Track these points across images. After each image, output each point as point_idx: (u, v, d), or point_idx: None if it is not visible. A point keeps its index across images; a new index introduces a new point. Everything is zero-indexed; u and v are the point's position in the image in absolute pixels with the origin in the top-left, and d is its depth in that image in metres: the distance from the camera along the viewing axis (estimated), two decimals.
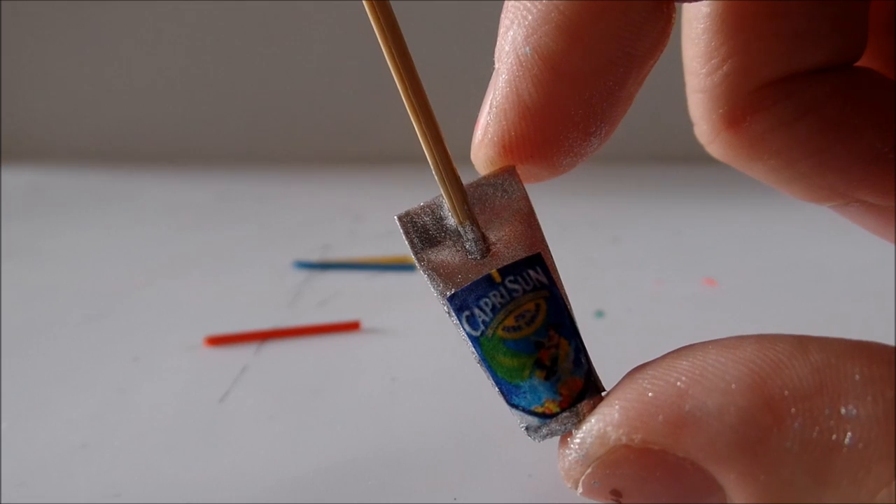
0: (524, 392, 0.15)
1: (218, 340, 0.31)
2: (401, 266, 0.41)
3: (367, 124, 0.78)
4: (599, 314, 0.32)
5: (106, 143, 0.79)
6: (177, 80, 0.78)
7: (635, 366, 0.14)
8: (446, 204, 0.15)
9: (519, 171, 0.15)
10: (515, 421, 0.15)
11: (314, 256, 0.43)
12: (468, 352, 0.15)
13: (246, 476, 0.22)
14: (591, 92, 0.14)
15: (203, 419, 0.25)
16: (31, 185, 0.67)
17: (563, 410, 0.15)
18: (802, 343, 0.12)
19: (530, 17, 0.14)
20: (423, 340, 0.31)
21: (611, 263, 0.42)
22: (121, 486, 0.21)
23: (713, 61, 0.17)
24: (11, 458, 0.23)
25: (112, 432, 0.24)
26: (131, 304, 0.36)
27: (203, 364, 0.29)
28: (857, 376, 0.11)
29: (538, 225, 0.15)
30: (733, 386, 0.12)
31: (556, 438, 0.15)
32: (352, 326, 0.32)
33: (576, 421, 0.15)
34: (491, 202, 0.15)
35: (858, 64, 0.17)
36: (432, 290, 0.15)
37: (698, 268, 0.41)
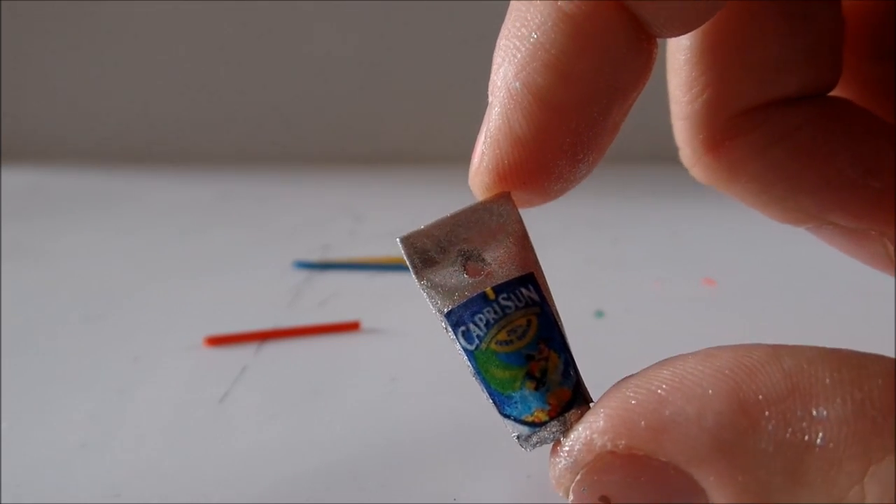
0: (515, 402, 0.16)
1: (218, 340, 0.31)
2: (401, 266, 0.41)
3: (367, 124, 0.78)
4: (599, 314, 0.32)
5: (106, 143, 0.79)
6: (177, 80, 0.78)
7: (629, 369, 0.15)
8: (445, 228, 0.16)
9: (513, 197, 0.16)
10: (507, 431, 0.16)
11: (314, 256, 0.43)
12: (464, 365, 0.16)
13: (246, 476, 0.22)
14: (577, 122, 0.15)
15: (203, 419, 0.25)
16: (31, 185, 0.67)
17: (551, 419, 0.15)
18: (776, 351, 0.13)
19: (519, 56, 0.15)
20: (422, 340, 0.31)
21: (611, 263, 0.42)
22: (121, 486, 0.21)
23: (693, 90, 0.17)
24: (11, 458, 0.23)
25: (112, 432, 0.24)
26: (131, 304, 0.36)
27: (203, 364, 0.29)
28: (828, 380, 0.12)
29: (531, 247, 0.16)
30: (710, 392, 0.13)
31: (549, 446, 0.16)
32: (352, 326, 0.32)
33: (564, 429, 0.15)
34: (487, 225, 0.16)
35: (834, 92, 0.18)
36: (430, 307, 0.16)
37: (698, 268, 0.41)
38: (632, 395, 0.13)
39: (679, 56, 0.18)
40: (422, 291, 0.16)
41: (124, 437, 0.24)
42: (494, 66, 0.15)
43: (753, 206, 0.18)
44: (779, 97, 0.17)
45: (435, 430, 0.24)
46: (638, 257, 0.43)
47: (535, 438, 0.16)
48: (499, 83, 0.15)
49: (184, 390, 0.27)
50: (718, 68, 0.17)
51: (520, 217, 0.16)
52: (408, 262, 0.16)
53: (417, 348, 0.30)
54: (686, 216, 0.53)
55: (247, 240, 0.49)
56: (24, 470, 0.22)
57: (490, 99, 0.16)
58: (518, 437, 0.16)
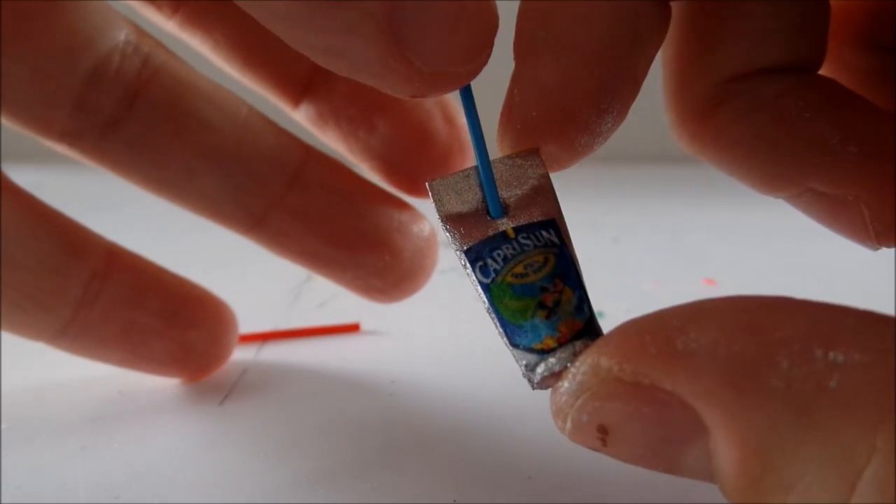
0: (526, 331, 0.16)
1: None
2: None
3: None
4: (599, 315, 0.32)
5: None
6: None
7: None
8: (473, 175, 0.17)
9: (541, 154, 0.17)
10: (516, 364, 0.16)
11: None
12: (479, 300, 0.16)
13: (245, 477, 0.22)
14: (600, 68, 0.16)
15: (203, 421, 0.25)
16: (31, 185, 0.67)
17: (560, 346, 0.15)
18: (800, 300, 0.13)
19: (543, 8, 0.16)
20: (422, 343, 0.31)
21: (611, 264, 0.42)
22: (120, 487, 0.21)
23: (683, 60, 0.18)
24: (11, 460, 0.23)
25: (111, 433, 0.24)
26: None
27: None
28: (850, 328, 0.12)
29: (556, 199, 0.17)
30: (727, 326, 0.12)
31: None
32: (352, 328, 0.32)
33: (572, 357, 0.15)
34: (514, 176, 0.17)
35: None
36: (452, 246, 0.17)
37: (698, 268, 0.41)
38: (644, 324, 0.13)
39: (671, 28, 0.18)
40: (444, 232, 0.17)
41: (124, 439, 0.24)
42: (518, 22, 0.16)
43: (736, 174, 0.19)
44: (763, 67, 0.18)
45: (435, 432, 0.24)
46: (638, 257, 0.43)
47: (542, 367, 0.15)
48: (524, 36, 0.16)
49: (184, 391, 0.27)
50: (706, 37, 0.18)
51: (547, 172, 0.17)
52: (433, 203, 0.17)
53: (417, 350, 0.30)
54: (686, 216, 0.53)
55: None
56: (24, 470, 0.22)
57: (515, 54, 0.16)
58: (525, 367, 0.16)
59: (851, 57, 0.19)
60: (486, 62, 0.16)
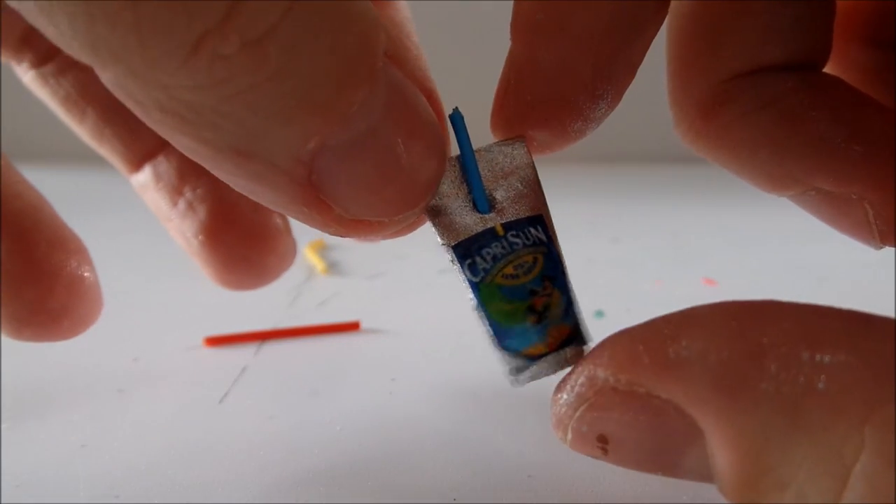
0: (515, 335, 0.16)
1: (217, 341, 0.31)
2: (400, 267, 0.41)
3: None
4: (599, 314, 0.32)
5: None
6: None
7: None
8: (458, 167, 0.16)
9: (533, 140, 0.17)
10: (501, 364, 0.16)
11: (314, 255, 0.43)
12: (467, 298, 0.16)
13: (245, 477, 0.22)
14: (597, 53, 0.16)
15: (203, 420, 0.25)
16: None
17: (548, 353, 0.16)
18: (787, 302, 0.13)
19: None
20: (422, 341, 0.31)
21: (611, 263, 0.42)
22: (120, 486, 0.21)
23: (688, 57, 0.18)
24: (11, 459, 0.23)
25: (111, 432, 0.24)
26: (131, 304, 0.36)
27: (202, 364, 0.29)
28: (835, 329, 0.12)
29: (542, 191, 0.17)
30: (716, 332, 0.13)
31: (546, 411, 0.15)
32: (351, 327, 0.32)
33: (559, 365, 0.15)
34: (500, 166, 0.16)
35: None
36: (440, 240, 0.16)
37: (698, 268, 0.41)
38: (637, 334, 0.14)
39: (675, 25, 0.18)
40: (432, 225, 0.16)
41: (124, 437, 0.24)
42: (515, 6, 0.16)
43: (740, 172, 0.19)
44: (768, 65, 0.18)
45: (435, 430, 0.24)
46: (638, 257, 0.43)
47: (528, 372, 0.16)
48: (521, 18, 0.16)
49: (184, 390, 0.27)
50: (712, 35, 0.18)
51: (532, 161, 0.17)
52: None
53: (417, 348, 0.30)
54: (686, 216, 0.53)
55: None
56: (24, 470, 0.22)
57: (511, 36, 0.16)
58: (511, 370, 0.16)
59: (857, 54, 0.19)
60: (419, 213, 0.15)
